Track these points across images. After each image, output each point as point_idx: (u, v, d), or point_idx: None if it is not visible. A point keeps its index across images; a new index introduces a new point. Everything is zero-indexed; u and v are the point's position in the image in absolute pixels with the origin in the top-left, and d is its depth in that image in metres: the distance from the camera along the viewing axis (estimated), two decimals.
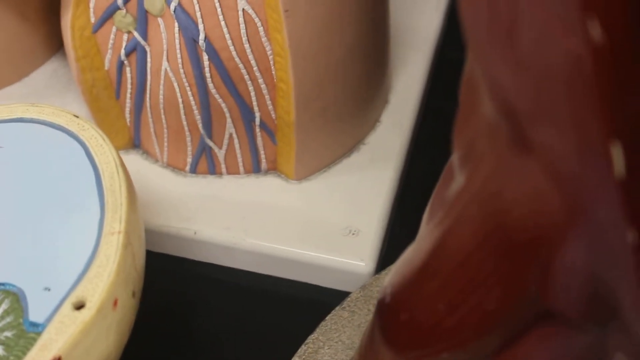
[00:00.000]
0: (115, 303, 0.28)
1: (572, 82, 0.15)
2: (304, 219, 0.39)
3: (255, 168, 0.40)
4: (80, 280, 0.28)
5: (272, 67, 0.36)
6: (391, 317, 0.24)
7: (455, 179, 0.22)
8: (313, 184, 0.40)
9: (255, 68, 0.36)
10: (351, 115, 0.40)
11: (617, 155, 0.15)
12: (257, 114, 0.38)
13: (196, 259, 0.39)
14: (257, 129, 0.38)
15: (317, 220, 0.39)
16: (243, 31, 0.35)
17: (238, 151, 0.39)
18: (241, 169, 0.40)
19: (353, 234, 0.38)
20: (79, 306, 0.27)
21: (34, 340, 0.26)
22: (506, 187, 0.19)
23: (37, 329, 0.27)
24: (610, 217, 0.16)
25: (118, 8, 0.36)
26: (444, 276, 0.22)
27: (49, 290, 0.27)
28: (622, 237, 0.16)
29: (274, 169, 0.40)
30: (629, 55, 0.15)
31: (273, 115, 0.38)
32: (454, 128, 0.22)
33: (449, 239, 0.22)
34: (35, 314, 0.27)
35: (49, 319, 0.27)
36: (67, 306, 0.27)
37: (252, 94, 0.37)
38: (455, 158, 0.22)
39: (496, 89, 0.18)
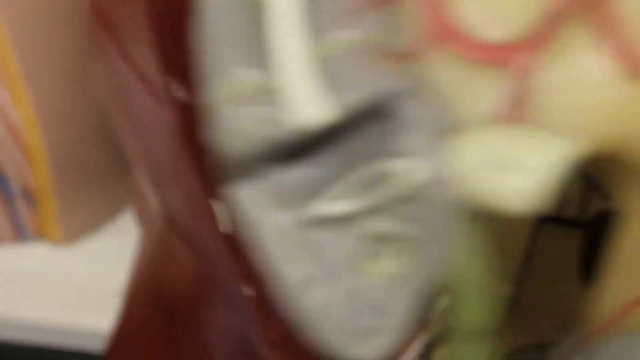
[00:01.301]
0: None
1: (169, 144, 0.16)
2: (75, 284, 0.38)
3: (20, 235, 0.39)
4: None
5: (24, 136, 0.36)
6: None
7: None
8: (82, 246, 0.40)
9: (8, 139, 0.35)
10: (116, 176, 0.39)
11: (220, 211, 0.15)
12: (16, 183, 0.37)
13: None
14: (18, 197, 0.38)
15: (89, 285, 0.38)
16: None
17: (1, 220, 0.38)
18: (6, 237, 0.39)
19: None
20: None
21: None
22: (162, 258, 0.19)
23: None
24: (229, 274, 0.16)
25: None
26: (131, 338, 0.22)
27: None
28: (241, 293, 0.16)
29: (40, 235, 0.40)
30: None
31: (32, 183, 0.37)
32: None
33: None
34: None
35: None
36: None
37: (8, 163, 0.36)
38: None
39: (131, 156, 0.18)
